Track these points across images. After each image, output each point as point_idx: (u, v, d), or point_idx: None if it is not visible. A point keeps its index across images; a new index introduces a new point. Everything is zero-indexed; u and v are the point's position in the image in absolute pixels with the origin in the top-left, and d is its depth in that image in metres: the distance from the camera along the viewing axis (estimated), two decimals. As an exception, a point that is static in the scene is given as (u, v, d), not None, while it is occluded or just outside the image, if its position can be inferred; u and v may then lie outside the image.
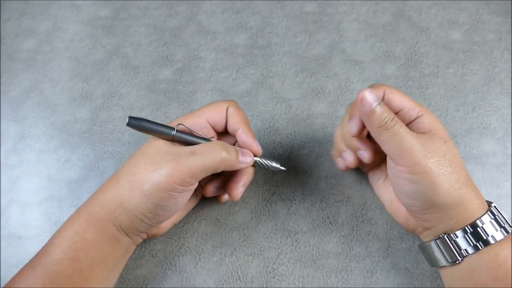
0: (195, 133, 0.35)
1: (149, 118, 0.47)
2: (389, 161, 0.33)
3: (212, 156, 0.32)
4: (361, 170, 0.42)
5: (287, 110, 0.47)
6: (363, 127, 0.35)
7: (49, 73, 0.51)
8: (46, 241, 0.33)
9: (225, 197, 0.39)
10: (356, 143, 0.36)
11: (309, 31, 0.52)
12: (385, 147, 0.32)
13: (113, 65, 0.51)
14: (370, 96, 0.32)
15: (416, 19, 0.52)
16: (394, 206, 0.37)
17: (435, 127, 0.33)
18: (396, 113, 0.33)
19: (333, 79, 0.48)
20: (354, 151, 0.37)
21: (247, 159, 0.35)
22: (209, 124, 0.36)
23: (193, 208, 0.41)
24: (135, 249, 0.40)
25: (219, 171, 0.34)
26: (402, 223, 0.37)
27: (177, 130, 0.34)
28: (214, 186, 0.39)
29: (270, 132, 0.46)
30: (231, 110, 0.36)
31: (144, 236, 0.37)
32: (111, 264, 0.34)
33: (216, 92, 0.48)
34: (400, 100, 0.34)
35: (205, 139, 0.35)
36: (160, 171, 0.31)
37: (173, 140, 0.34)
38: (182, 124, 0.35)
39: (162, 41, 0.52)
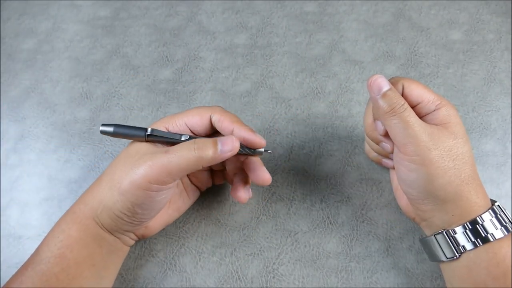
0: (168, 131, 0.35)
1: (149, 118, 0.47)
2: (394, 146, 0.33)
3: (184, 154, 0.32)
4: None
5: (287, 110, 0.47)
6: None
7: (49, 73, 0.51)
8: (46, 241, 0.34)
9: (241, 195, 0.37)
10: (378, 135, 0.36)
11: (309, 31, 0.52)
12: (391, 132, 0.32)
13: (113, 65, 0.51)
14: (380, 81, 0.32)
15: (416, 19, 0.52)
16: (398, 191, 0.38)
17: (449, 121, 0.32)
18: (415, 106, 0.33)
19: (333, 79, 0.48)
20: (377, 142, 0.37)
21: (228, 147, 0.32)
22: (188, 128, 0.36)
23: (193, 208, 0.41)
24: (135, 249, 0.40)
25: (200, 168, 0.33)
26: (403, 209, 0.37)
27: (150, 132, 0.33)
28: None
29: (270, 132, 0.46)
30: (216, 116, 0.35)
31: (133, 236, 0.36)
32: (99, 262, 0.34)
33: (216, 92, 0.48)
34: (419, 92, 0.33)
35: (177, 135, 0.34)
36: (136, 169, 0.31)
37: (150, 141, 0.34)
38: (155, 129, 0.34)
39: (162, 41, 0.52)
